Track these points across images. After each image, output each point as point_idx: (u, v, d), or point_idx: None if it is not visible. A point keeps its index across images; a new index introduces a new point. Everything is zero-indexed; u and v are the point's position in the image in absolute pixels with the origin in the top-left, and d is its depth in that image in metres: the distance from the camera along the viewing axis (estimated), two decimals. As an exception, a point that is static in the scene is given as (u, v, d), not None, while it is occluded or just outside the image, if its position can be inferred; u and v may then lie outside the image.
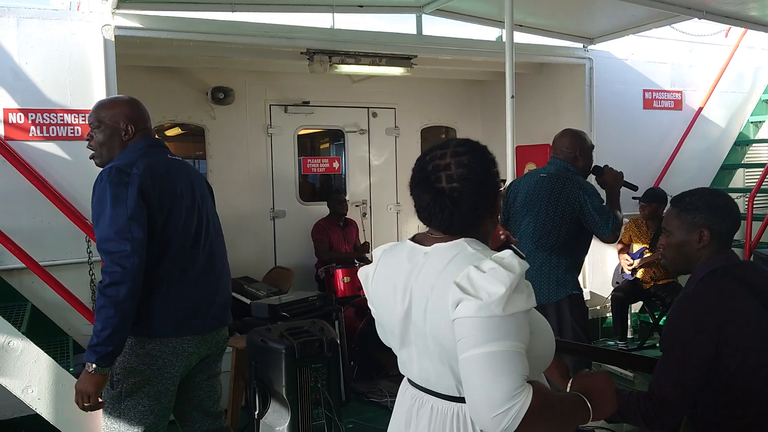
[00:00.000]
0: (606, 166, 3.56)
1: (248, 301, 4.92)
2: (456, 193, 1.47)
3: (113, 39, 4.24)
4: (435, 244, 1.51)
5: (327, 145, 7.20)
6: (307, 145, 6.99)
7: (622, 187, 3.62)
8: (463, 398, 1.42)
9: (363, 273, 1.71)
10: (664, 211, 2.30)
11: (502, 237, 1.71)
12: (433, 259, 1.49)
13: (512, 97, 4.13)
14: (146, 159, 2.43)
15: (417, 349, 1.52)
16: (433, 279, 1.46)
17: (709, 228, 2.09)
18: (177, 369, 2.50)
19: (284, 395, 3.43)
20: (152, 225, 2.36)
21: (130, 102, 2.61)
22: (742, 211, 3.94)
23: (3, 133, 4.01)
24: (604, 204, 3.45)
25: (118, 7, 4.21)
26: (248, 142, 6.40)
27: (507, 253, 1.41)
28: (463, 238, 1.49)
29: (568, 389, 1.58)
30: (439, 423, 1.48)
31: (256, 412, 3.55)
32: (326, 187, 7.09)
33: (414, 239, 1.60)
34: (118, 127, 2.51)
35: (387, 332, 1.63)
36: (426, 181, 1.50)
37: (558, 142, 3.59)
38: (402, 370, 1.63)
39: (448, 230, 1.51)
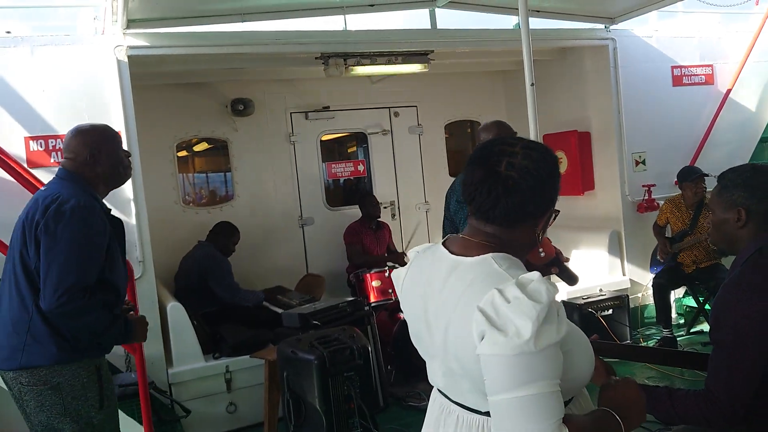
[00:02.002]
0: None
1: (280, 311, 4.90)
2: (511, 182, 1.38)
3: (126, 59, 4.26)
4: (461, 258, 1.43)
5: (354, 148, 7.14)
6: (331, 150, 6.95)
7: None
8: (488, 412, 1.37)
9: (396, 274, 1.67)
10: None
11: (542, 254, 1.59)
12: (458, 275, 1.41)
13: (532, 84, 4.01)
14: None
15: (440, 362, 1.47)
16: (455, 297, 1.38)
17: (746, 207, 1.97)
18: None
19: (318, 406, 3.38)
20: None
21: None
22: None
23: (26, 162, 4.05)
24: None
25: (128, 27, 4.22)
26: (271, 151, 6.39)
27: (535, 276, 1.31)
28: (491, 254, 1.40)
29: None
30: None
31: (292, 424, 3.51)
32: (353, 192, 7.04)
33: (445, 243, 1.52)
34: None
35: (414, 338, 1.59)
36: (485, 159, 1.42)
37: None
38: (430, 379, 1.59)
39: (486, 216, 1.42)
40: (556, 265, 1.63)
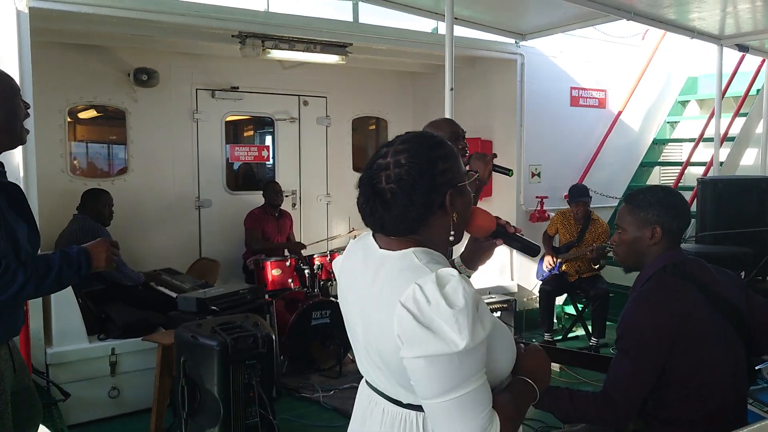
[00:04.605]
0: (474, 153, 3.19)
1: (174, 295, 4.70)
2: (389, 195, 1.39)
3: (27, 11, 3.92)
4: (385, 252, 1.45)
5: (251, 133, 6.98)
6: (235, 133, 6.76)
7: (495, 172, 3.06)
8: (410, 405, 1.42)
9: (336, 263, 1.67)
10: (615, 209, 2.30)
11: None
12: (382, 268, 1.42)
13: (451, 89, 4.10)
14: None
15: (365, 352, 1.49)
16: (377, 290, 1.40)
17: (661, 225, 2.11)
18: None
19: (216, 394, 3.29)
20: None
21: None
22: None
23: None
24: None
25: (33, -23, 3.89)
26: (172, 127, 6.11)
27: (453, 274, 1.31)
28: (412, 248, 1.42)
29: None
30: (388, 426, 1.47)
31: (185, 412, 3.38)
32: (255, 177, 6.88)
33: (374, 236, 1.53)
34: None
35: (347, 325, 1.59)
36: (369, 179, 1.43)
37: None
38: (360, 369, 1.60)
39: (383, 231, 1.45)
40: (500, 237, 1.59)
